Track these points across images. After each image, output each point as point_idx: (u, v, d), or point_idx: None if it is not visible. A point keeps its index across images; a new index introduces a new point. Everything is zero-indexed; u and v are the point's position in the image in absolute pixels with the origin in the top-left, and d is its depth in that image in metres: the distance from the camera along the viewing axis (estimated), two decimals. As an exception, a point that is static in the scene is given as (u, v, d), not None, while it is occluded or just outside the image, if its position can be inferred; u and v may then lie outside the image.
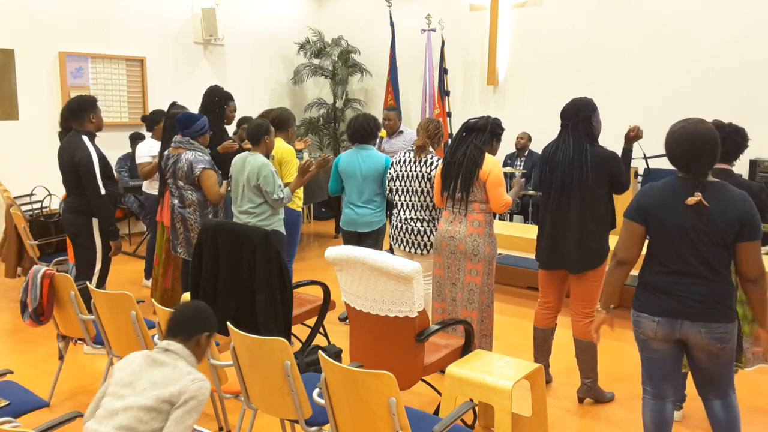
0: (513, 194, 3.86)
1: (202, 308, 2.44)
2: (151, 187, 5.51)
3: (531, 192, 7.02)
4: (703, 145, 2.52)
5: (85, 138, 4.16)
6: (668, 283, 2.60)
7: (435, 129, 4.10)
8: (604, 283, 2.86)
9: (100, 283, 4.29)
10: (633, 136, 3.62)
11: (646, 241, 2.74)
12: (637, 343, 2.78)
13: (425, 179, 4.02)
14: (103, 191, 4.13)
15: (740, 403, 3.69)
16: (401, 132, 6.16)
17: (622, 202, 3.88)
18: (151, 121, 5.62)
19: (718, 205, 2.50)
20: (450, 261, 3.75)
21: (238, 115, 5.49)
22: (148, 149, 5.45)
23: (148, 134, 5.71)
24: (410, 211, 4.11)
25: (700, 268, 2.54)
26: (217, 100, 4.96)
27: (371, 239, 4.47)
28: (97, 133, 4.31)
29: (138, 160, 5.49)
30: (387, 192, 4.29)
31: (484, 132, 3.70)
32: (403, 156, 4.16)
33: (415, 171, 4.06)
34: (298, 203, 4.74)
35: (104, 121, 4.47)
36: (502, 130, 3.80)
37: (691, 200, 2.50)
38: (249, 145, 4.31)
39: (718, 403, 2.71)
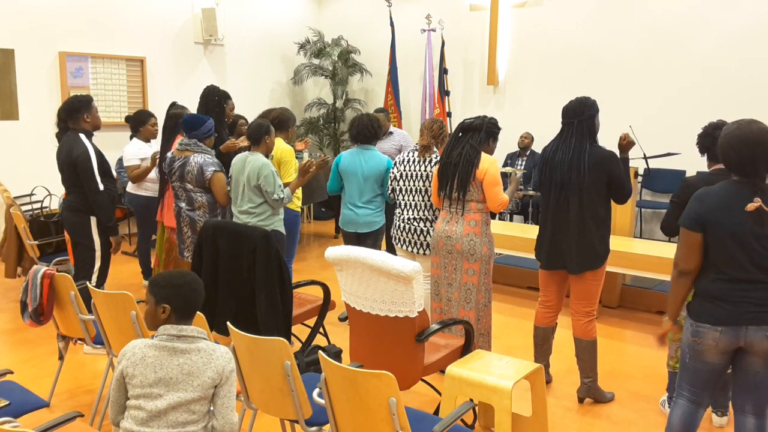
0: (510, 192, 3.86)
1: (198, 285, 2.31)
2: (138, 188, 5.39)
3: (531, 192, 7.02)
4: (761, 148, 2.44)
5: (82, 136, 4.16)
6: (728, 290, 2.51)
7: (439, 129, 4.11)
8: (669, 294, 2.74)
9: (100, 282, 4.28)
10: (626, 144, 3.63)
11: None
12: (687, 351, 2.66)
13: (429, 179, 4.02)
14: (101, 187, 4.12)
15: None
16: (390, 133, 6.19)
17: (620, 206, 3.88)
18: (137, 121, 5.45)
19: None
20: (447, 261, 3.76)
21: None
22: (137, 151, 5.30)
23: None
24: (414, 211, 4.11)
25: (760, 274, 2.46)
26: (218, 100, 4.95)
27: (370, 240, 4.47)
28: (95, 133, 4.30)
29: (126, 163, 5.31)
30: (389, 192, 4.29)
31: (480, 132, 3.71)
32: (407, 156, 4.16)
33: (420, 170, 4.06)
34: (297, 203, 4.74)
35: (104, 121, 4.46)
36: (499, 129, 3.80)
37: (751, 206, 2.42)
38: (245, 143, 4.30)
39: (752, 420, 2.59)
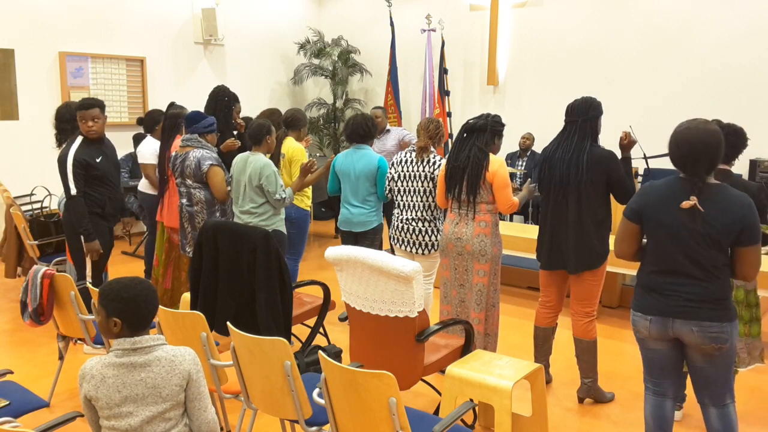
0: (521, 198, 3.83)
1: (149, 296, 2.16)
2: (148, 187, 5.37)
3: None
4: (704, 148, 2.51)
5: (78, 138, 4.13)
6: (661, 283, 2.61)
7: (435, 129, 4.10)
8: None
9: (96, 283, 4.27)
10: (627, 143, 3.63)
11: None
12: (636, 341, 2.80)
13: (428, 179, 4.02)
14: (73, 191, 4.07)
15: (740, 403, 3.70)
16: (387, 131, 6.18)
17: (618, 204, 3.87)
18: (152, 121, 5.42)
19: (716, 207, 2.49)
20: (457, 262, 3.75)
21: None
22: (154, 150, 5.21)
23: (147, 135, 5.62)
24: (412, 212, 4.11)
25: (692, 269, 2.54)
26: (227, 101, 4.96)
27: (367, 239, 4.47)
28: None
29: (143, 161, 5.26)
30: (387, 192, 4.30)
31: (485, 132, 3.70)
32: (405, 156, 4.16)
33: (418, 171, 4.06)
34: (306, 202, 4.76)
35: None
36: (503, 126, 3.79)
37: (686, 204, 2.50)
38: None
39: (713, 411, 2.68)
